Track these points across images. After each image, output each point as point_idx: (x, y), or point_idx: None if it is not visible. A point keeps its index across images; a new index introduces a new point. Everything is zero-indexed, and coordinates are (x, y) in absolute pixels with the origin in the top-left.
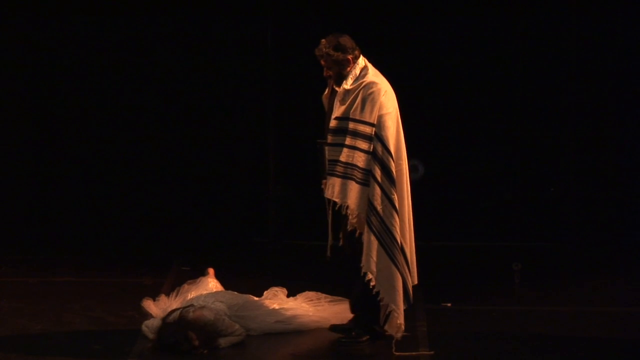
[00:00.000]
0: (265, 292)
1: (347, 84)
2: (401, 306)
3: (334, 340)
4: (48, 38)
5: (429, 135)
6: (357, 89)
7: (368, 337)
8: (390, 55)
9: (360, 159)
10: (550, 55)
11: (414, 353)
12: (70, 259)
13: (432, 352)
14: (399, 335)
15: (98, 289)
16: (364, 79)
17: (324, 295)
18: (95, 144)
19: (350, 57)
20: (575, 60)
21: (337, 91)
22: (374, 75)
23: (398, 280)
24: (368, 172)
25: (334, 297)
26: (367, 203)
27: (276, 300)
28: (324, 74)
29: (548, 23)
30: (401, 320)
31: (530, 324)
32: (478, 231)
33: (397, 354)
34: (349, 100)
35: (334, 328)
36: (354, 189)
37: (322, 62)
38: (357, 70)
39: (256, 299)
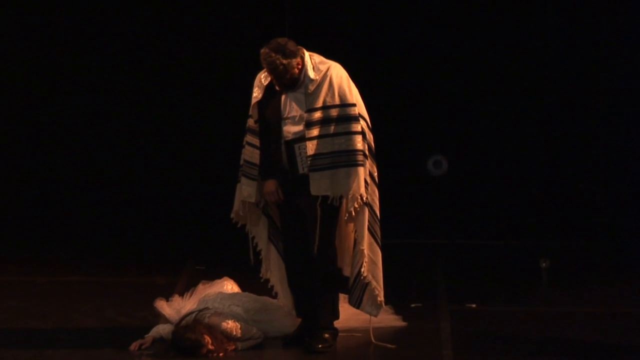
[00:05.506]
0: None
1: (311, 75)
2: (382, 284)
3: (351, 341)
4: (49, 30)
5: (454, 132)
6: (324, 75)
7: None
8: (416, 49)
9: (359, 142)
10: (579, 51)
11: (390, 345)
12: (80, 258)
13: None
14: (377, 313)
15: (109, 289)
16: (324, 65)
17: (342, 295)
18: (108, 142)
19: (299, 58)
20: (605, 56)
21: (277, 92)
22: (323, 58)
23: (379, 256)
24: (362, 152)
25: None
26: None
27: None
28: (276, 84)
29: (578, 18)
30: (382, 297)
31: (558, 326)
32: (504, 229)
33: (376, 343)
34: (324, 88)
35: (287, 339)
36: (356, 173)
37: (273, 74)
38: (310, 62)
39: (273, 301)
